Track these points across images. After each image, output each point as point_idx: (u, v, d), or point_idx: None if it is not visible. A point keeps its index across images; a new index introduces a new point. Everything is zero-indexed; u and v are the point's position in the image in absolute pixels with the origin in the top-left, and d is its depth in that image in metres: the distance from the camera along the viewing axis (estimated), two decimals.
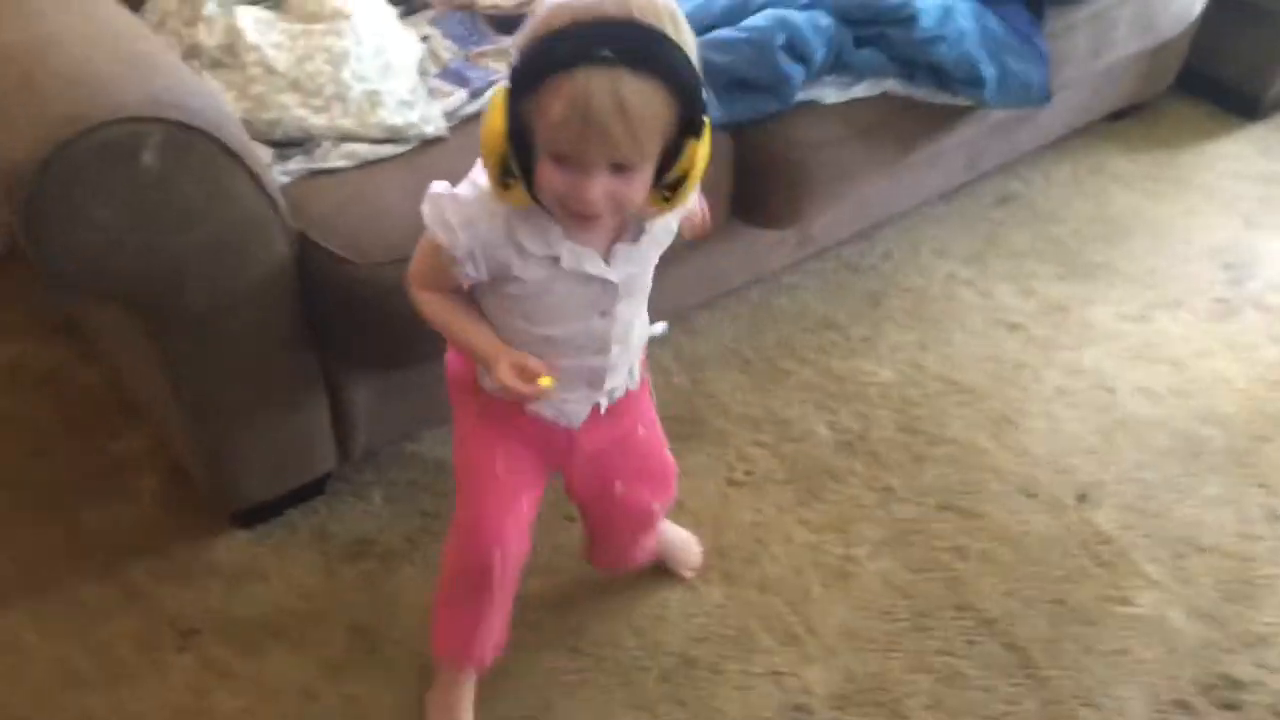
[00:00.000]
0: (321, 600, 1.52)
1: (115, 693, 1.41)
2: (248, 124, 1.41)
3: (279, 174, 1.42)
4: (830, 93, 1.66)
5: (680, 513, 1.65)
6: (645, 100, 0.89)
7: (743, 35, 1.56)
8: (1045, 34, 1.81)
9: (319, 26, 1.55)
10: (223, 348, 1.34)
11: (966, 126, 1.87)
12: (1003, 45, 1.72)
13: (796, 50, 1.57)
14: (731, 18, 1.61)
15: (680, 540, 1.58)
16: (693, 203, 1.19)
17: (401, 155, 1.49)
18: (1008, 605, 1.56)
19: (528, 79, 0.90)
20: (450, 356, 1.24)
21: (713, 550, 1.61)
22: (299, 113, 1.47)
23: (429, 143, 1.52)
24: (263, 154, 1.40)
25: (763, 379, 1.88)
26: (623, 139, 0.89)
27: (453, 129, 1.55)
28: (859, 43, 1.64)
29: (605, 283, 1.07)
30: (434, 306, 1.10)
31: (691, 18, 1.57)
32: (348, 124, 1.48)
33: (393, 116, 1.50)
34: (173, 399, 1.41)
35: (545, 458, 1.25)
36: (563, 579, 1.56)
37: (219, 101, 1.31)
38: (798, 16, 1.58)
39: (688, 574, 1.58)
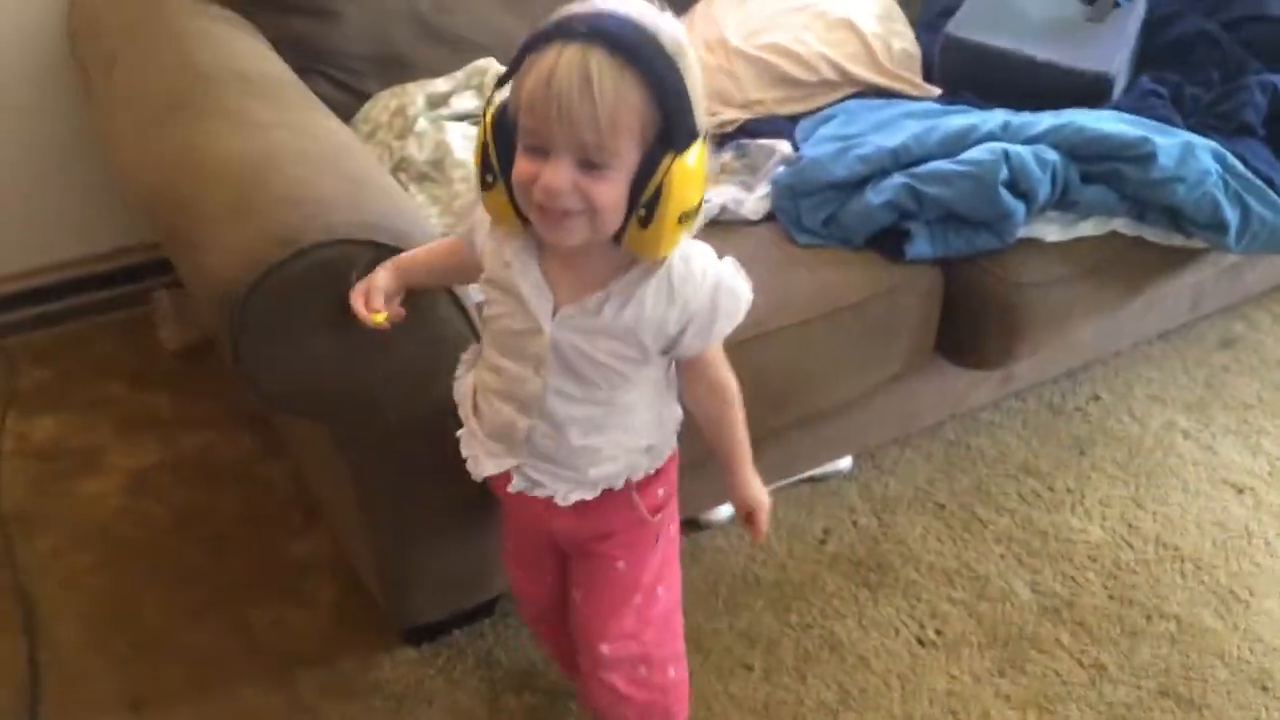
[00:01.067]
0: None
1: None
2: None
3: (474, 292, 1.40)
4: (1053, 230, 1.56)
5: (864, 670, 1.53)
6: (615, 83, 0.85)
7: (962, 168, 1.48)
8: None
9: None
10: (410, 466, 1.31)
11: (1198, 269, 1.73)
12: (1246, 186, 1.58)
13: (1019, 186, 1.48)
14: (949, 149, 1.53)
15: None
16: (758, 495, 1.15)
17: None
18: None
19: (512, 64, 0.90)
20: None
21: (902, 718, 1.48)
22: None
23: None
24: None
25: (957, 527, 1.74)
26: (586, 118, 0.85)
27: None
28: (1086, 179, 1.53)
29: (538, 329, 1.00)
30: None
31: (907, 150, 1.53)
32: None
33: None
34: (355, 510, 1.39)
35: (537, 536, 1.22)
36: None
37: (425, 223, 1.30)
38: (1023, 150, 1.48)
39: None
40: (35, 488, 1.78)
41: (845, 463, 1.83)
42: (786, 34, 1.80)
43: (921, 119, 1.64)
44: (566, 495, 1.10)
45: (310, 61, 1.67)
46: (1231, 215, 1.54)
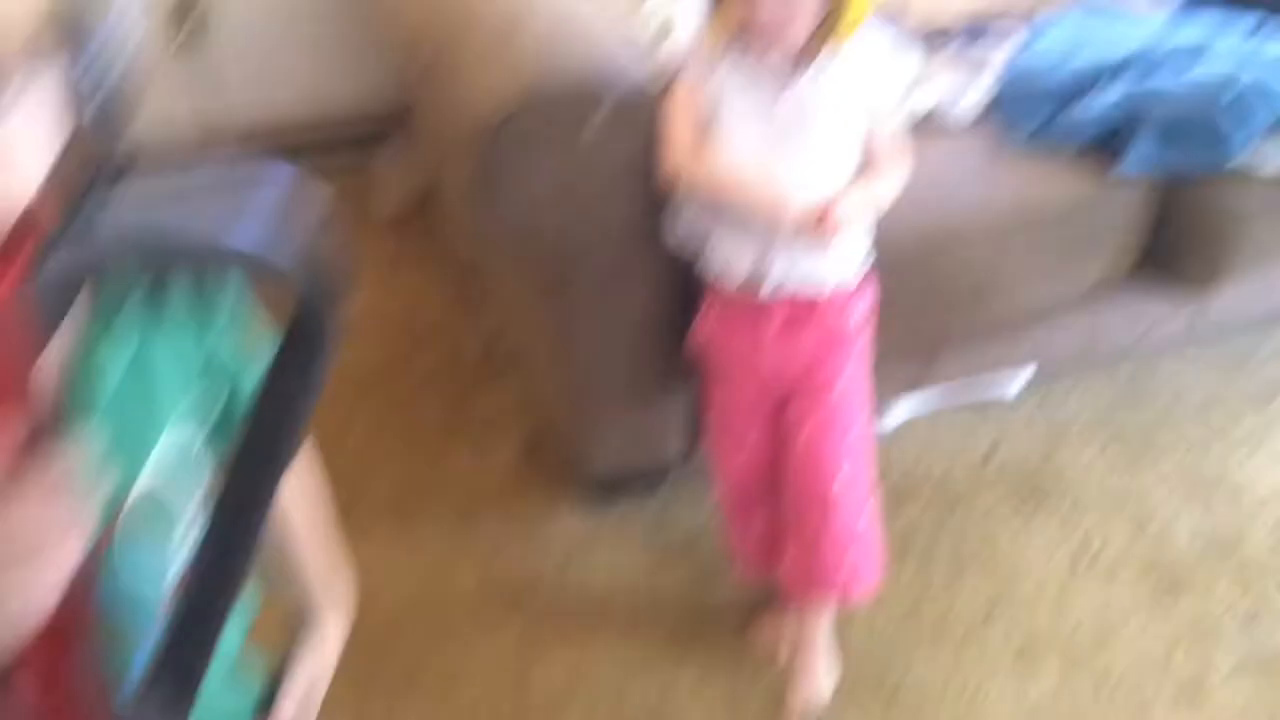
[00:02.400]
0: (647, 593, 1.55)
1: (445, 641, 1.48)
2: None
3: None
4: (1273, 160, 1.52)
5: (1016, 582, 1.56)
6: None
7: (1186, 86, 1.46)
8: None
9: None
10: (613, 319, 1.39)
11: None
12: None
13: (1243, 110, 1.45)
14: (1179, 64, 1.50)
15: (813, 664, 1.40)
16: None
17: None
18: None
19: None
20: None
21: (1049, 630, 1.51)
22: None
23: None
24: None
25: (1130, 457, 1.74)
26: None
27: None
28: None
29: (775, 100, 1.18)
30: (706, 168, 1.20)
31: (1133, 62, 1.51)
32: None
33: None
34: (554, 361, 1.48)
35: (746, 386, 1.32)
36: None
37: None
38: (1255, 74, 1.45)
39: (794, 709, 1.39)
40: None
41: (1016, 387, 1.82)
42: None
43: (1151, 31, 1.60)
44: (823, 283, 1.24)
45: None
46: None
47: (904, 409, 1.76)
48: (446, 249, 2.09)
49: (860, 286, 1.29)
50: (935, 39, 1.75)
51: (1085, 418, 1.81)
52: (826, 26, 1.13)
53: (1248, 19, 1.59)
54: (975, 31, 1.73)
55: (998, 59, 1.64)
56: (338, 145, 2.28)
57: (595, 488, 1.63)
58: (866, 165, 1.23)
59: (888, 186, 1.23)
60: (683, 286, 1.35)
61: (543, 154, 1.20)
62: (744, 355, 1.30)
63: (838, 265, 1.25)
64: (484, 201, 1.23)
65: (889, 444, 1.75)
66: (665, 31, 1.57)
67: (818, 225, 1.16)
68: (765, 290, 1.24)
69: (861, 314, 1.30)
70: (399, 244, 2.14)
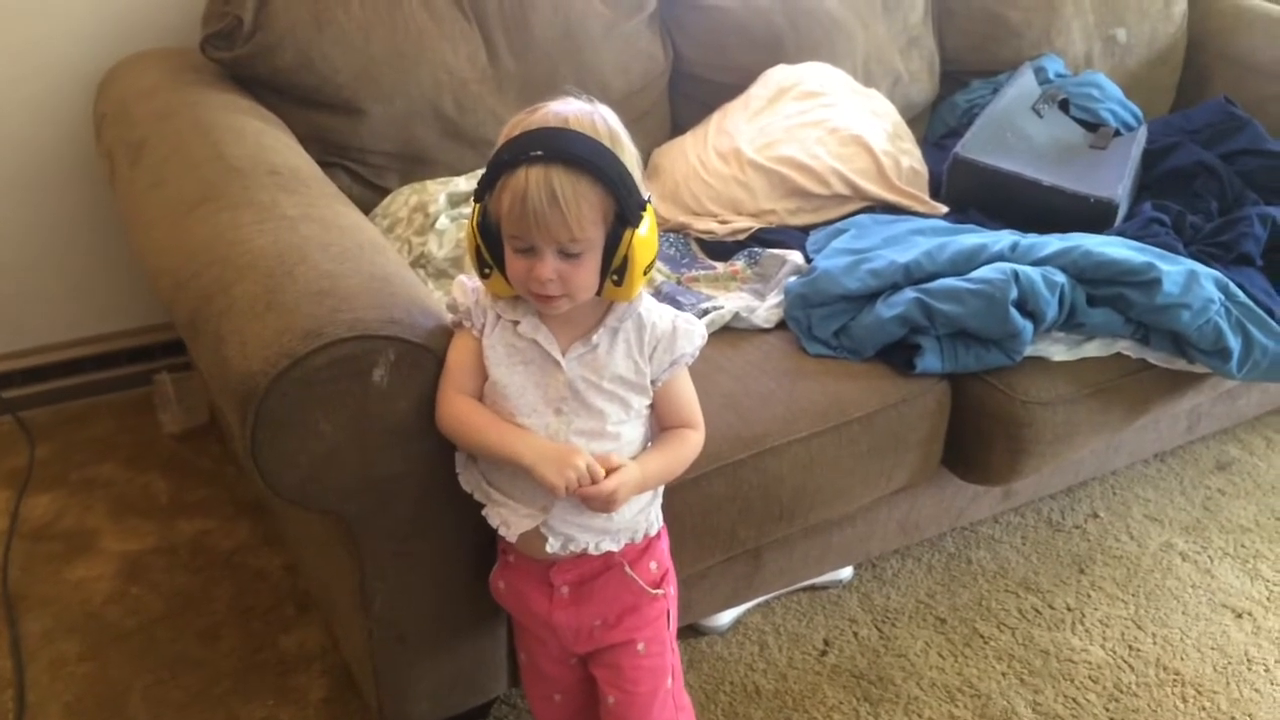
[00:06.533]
0: None
1: None
2: None
3: None
4: (1059, 350, 1.58)
5: None
6: (575, 190, 1.03)
7: (973, 286, 1.50)
8: None
9: None
10: (416, 566, 1.30)
11: (1198, 393, 1.75)
12: (1248, 315, 1.61)
13: (1028, 306, 1.50)
14: (959, 267, 1.56)
15: None
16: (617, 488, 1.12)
17: None
18: None
19: (487, 181, 1.07)
20: None
21: None
22: None
23: None
24: None
25: (958, 642, 1.73)
26: (559, 224, 1.03)
27: None
28: (1093, 301, 1.56)
29: (556, 368, 1.13)
30: (465, 409, 1.14)
31: (919, 266, 1.56)
32: None
33: None
34: (355, 606, 1.37)
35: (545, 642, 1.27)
36: None
37: (445, 319, 1.31)
38: (1032, 272, 1.51)
39: None
40: (26, 569, 1.75)
41: (846, 572, 1.82)
42: (799, 147, 1.85)
43: (931, 236, 1.67)
44: (599, 544, 1.18)
45: (333, 156, 1.70)
46: (1234, 343, 1.57)
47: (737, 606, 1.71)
48: (240, 464, 1.95)
49: (652, 541, 1.24)
50: (720, 252, 1.80)
51: (913, 603, 1.80)
52: (608, 286, 1.09)
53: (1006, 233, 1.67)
54: (762, 241, 1.78)
55: (783, 274, 1.67)
56: (123, 358, 2.14)
57: None
58: (658, 432, 1.20)
59: (669, 462, 1.19)
60: (486, 529, 1.26)
61: (323, 409, 1.11)
62: (537, 613, 1.23)
63: (626, 522, 1.20)
64: (265, 460, 1.13)
65: (725, 638, 1.71)
66: (454, 257, 1.54)
67: (594, 495, 1.10)
68: (549, 548, 1.17)
69: (658, 565, 1.24)
70: (188, 462, 1.99)
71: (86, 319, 2.10)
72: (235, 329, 1.15)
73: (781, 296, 1.62)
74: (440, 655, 1.39)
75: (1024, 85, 2.11)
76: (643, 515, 1.21)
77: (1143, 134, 2.05)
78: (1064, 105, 2.11)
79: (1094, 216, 1.77)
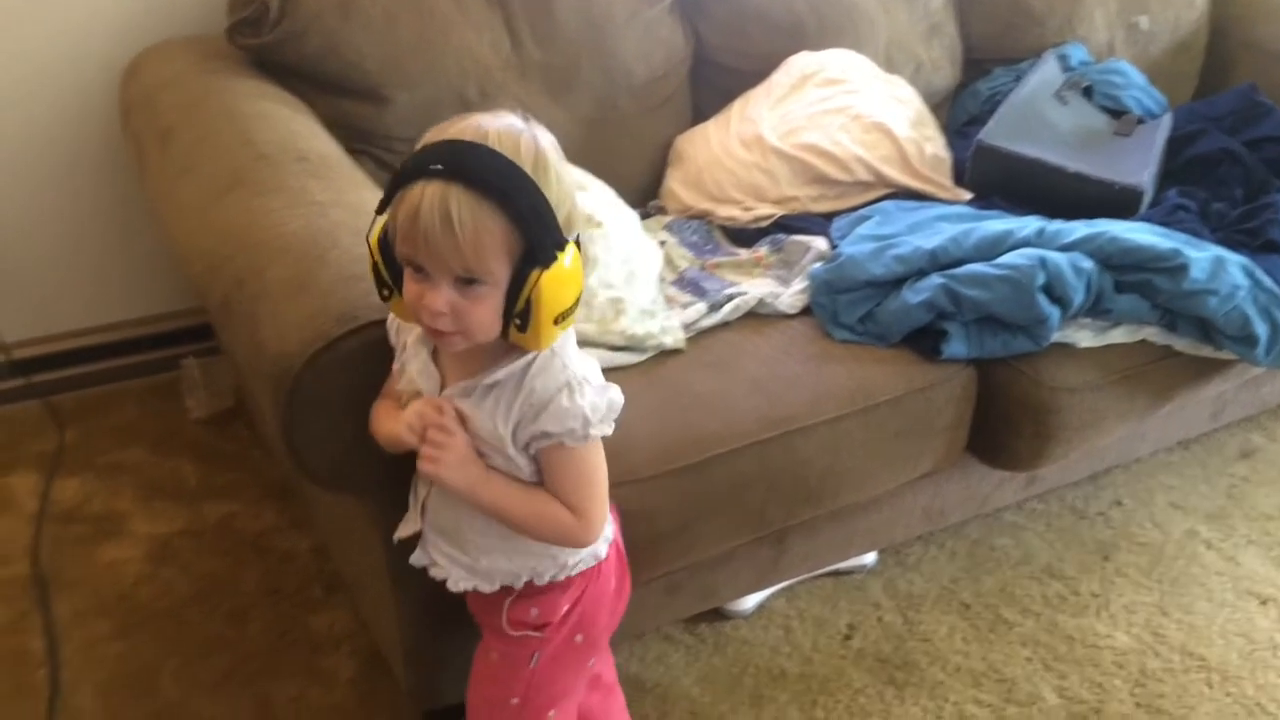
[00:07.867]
0: None
1: None
2: None
3: None
4: (1085, 336, 1.58)
5: None
6: (474, 215, 0.91)
7: (1000, 272, 1.50)
8: None
9: None
10: None
11: (1224, 380, 1.75)
12: (1275, 301, 1.60)
13: (1055, 292, 1.50)
14: (985, 253, 1.56)
15: None
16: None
17: (637, 365, 1.48)
18: None
19: (388, 193, 0.96)
20: None
21: None
22: None
23: (665, 353, 1.50)
24: None
25: (983, 628, 1.73)
26: (451, 250, 0.91)
27: (690, 341, 1.53)
28: (1119, 287, 1.56)
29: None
30: (377, 408, 1.11)
31: (945, 251, 1.56)
32: (589, 329, 1.47)
33: (634, 325, 1.49)
34: (387, 587, 1.38)
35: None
36: None
37: None
38: (1059, 258, 1.51)
39: None
40: (57, 551, 1.77)
41: (870, 558, 1.83)
42: (822, 134, 1.85)
43: (955, 222, 1.67)
44: (457, 582, 1.13)
45: (359, 142, 1.71)
46: (1261, 329, 1.57)
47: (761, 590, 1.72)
48: (267, 447, 1.97)
49: (548, 590, 1.14)
50: (743, 239, 1.80)
51: (937, 589, 1.80)
52: (512, 330, 0.97)
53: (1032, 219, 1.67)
54: (786, 228, 1.78)
55: (807, 260, 1.67)
56: (147, 343, 2.15)
57: (440, 714, 1.51)
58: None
59: (524, 503, 1.06)
60: None
61: (355, 391, 1.12)
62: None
63: (497, 568, 1.12)
64: (297, 441, 1.14)
65: (750, 622, 1.71)
66: None
67: (431, 423, 1.02)
68: (413, 560, 1.16)
69: (540, 614, 1.15)
70: (214, 447, 2.01)
71: (113, 305, 2.12)
72: (269, 312, 1.16)
73: (806, 282, 1.62)
74: (469, 635, 1.40)
75: (1047, 72, 2.11)
76: (525, 564, 1.12)
77: (1167, 121, 2.05)
78: (1088, 92, 2.11)
79: (1119, 203, 1.76)
